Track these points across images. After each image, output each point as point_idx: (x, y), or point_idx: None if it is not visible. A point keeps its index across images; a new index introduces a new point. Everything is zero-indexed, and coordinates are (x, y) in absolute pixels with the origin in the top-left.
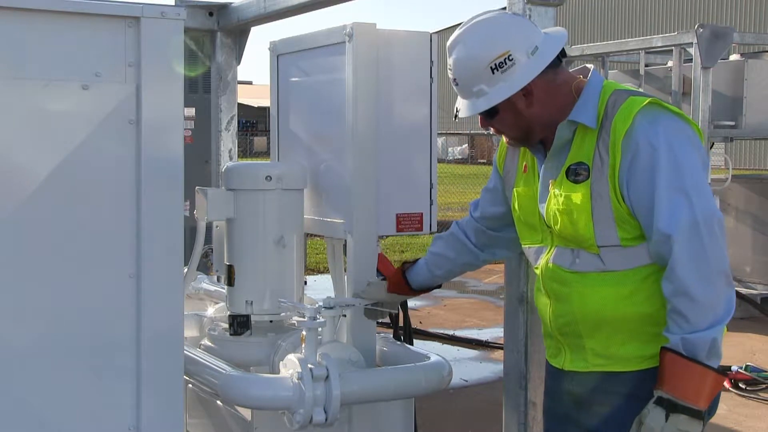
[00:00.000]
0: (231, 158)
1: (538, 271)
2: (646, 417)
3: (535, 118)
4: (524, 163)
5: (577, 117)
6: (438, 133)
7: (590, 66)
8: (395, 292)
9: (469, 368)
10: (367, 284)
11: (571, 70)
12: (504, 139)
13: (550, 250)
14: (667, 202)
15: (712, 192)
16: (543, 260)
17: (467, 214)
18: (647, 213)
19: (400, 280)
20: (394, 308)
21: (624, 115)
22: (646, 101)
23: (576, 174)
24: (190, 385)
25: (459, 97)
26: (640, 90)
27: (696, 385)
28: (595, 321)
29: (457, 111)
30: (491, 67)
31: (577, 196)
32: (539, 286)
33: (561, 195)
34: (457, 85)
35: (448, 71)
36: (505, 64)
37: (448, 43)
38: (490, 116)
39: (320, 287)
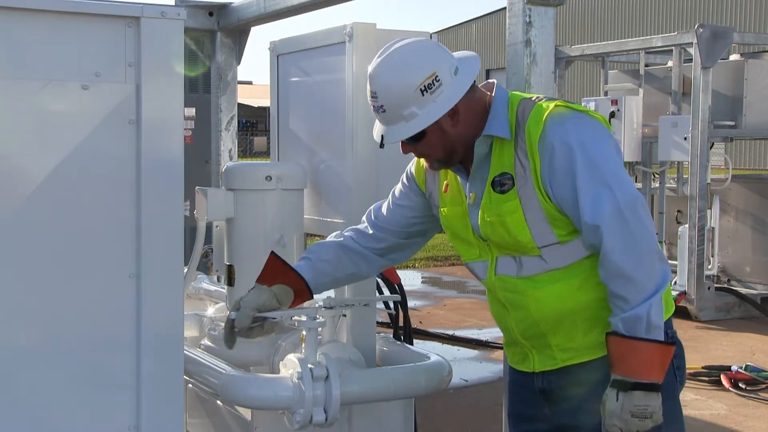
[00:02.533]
0: (231, 158)
1: (488, 285)
2: (606, 402)
3: (459, 137)
4: (445, 183)
5: (491, 131)
6: None
7: (492, 81)
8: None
9: (469, 368)
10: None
11: (480, 85)
12: (423, 163)
13: (492, 262)
14: (589, 194)
15: (629, 177)
16: (489, 273)
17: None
18: (573, 208)
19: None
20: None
21: (535, 121)
22: (553, 105)
23: (501, 185)
24: (190, 385)
25: (380, 124)
26: (543, 96)
27: (642, 359)
28: (555, 318)
29: (382, 139)
30: (421, 89)
31: (508, 206)
32: (492, 299)
33: (491, 207)
34: (383, 112)
35: (370, 99)
36: (434, 85)
37: (369, 71)
38: (415, 140)
39: None
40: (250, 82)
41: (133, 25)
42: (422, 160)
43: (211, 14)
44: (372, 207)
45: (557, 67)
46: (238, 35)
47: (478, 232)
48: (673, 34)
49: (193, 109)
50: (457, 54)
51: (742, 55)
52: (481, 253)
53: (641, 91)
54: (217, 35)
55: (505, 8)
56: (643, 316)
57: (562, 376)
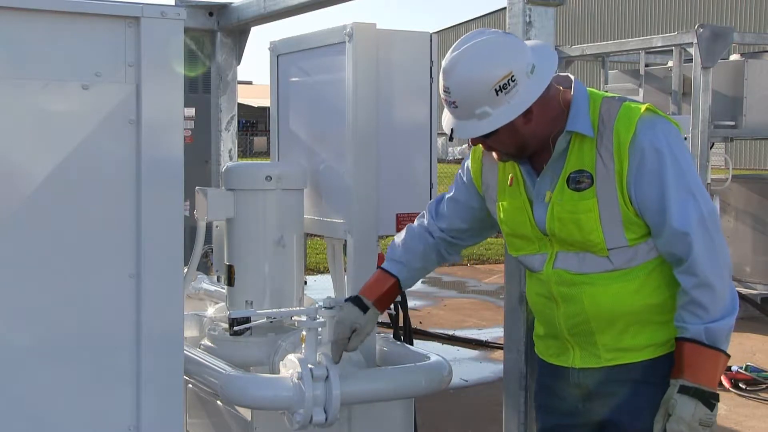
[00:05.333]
0: (231, 158)
1: (542, 278)
2: (675, 408)
3: (531, 134)
4: (510, 176)
5: (575, 127)
6: (438, 133)
7: (566, 74)
8: (386, 307)
9: (469, 368)
10: (349, 336)
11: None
12: (480, 156)
13: (551, 256)
14: (679, 201)
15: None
16: (546, 267)
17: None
18: (656, 213)
19: (397, 292)
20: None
21: (626, 122)
22: (644, 108)
23: (577, 182)
24: (190, 385)
25: (451, 117)
26: (624, 96)
27: (717, 370)
28: (608, 318)
29: (452, 132)
30: (495, 90)
31: (584, 204)
32: (542, 292)
33: (564, 203)
34: (456, 107)
35: (444, 93)
36: (509, 85)
37: (444, 64)
38: (486, 136)
39: (320, 287)
40: (250, 82)
41: (133, 25)
42: (480, 154)
43: (211, 14)
44: (434, 200)
45: (557, 67)
46: (238, 35)
47: (541, 228)
48: (673, 34)
49: (193, 109)
50: (531, 44)
51: (742, 55)
52: (540, 247)
53: (641, 91)
54: (217, 35)
55: (505, 8)
56: (727, 329)
57: (602, 375)
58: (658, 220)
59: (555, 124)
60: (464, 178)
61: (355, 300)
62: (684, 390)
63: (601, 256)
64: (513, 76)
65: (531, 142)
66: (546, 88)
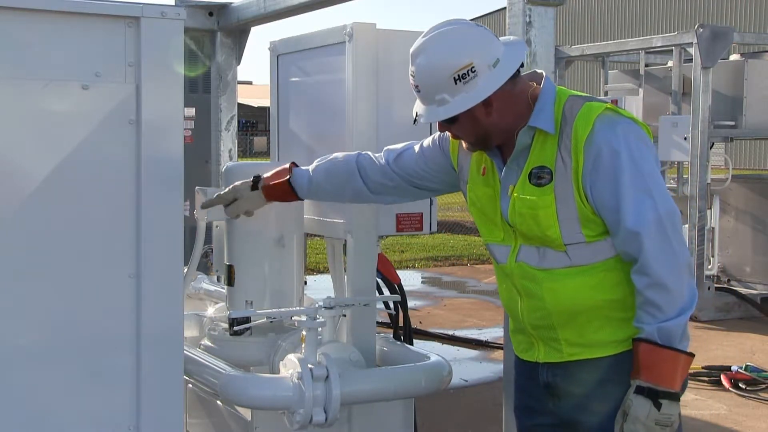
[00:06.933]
0: (231, 158)
1: (506, 270)
2: (630, 407)
3: (492, 126)
4: (482, 166)
5: (537, 123)
6: None
7: (540, 71)
8: (278, 200)
9: (469, 368)
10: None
11: (522, 75)
12: (463, 144)
13: (515, 248)
14: (633, 201)
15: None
16: (510, 259)
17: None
18: (612, 212)
19: (287, 191)
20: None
21: (584, 121)
22: (604, 107)
23: (538, 177)
24: (190, 385)
25: (418, 101)
26: (592, 96)
27: (671, 369)
28: (569, 312)
29: (417, 116)
30: (454, 78)
31: (543, 199)
32: (507, 285)
33: (525, 198)
34: (419, 91)
35: (410, 77)
36: (468, 75)
37: (412, 49)
38: (448, 122)
39: (320, 287)
40: (250, 82)
41: (133, 25)
42: None
43: (211, 14)
44: (398, 146)
45: (557, 67)
46: (238, 35)
47: (506, 218)
48: (673, 34)
49: (193, 109)
50: (504, 39)
51: (742, 55)
52: (505, 238)
53: (641, 91)
54: (217, 35)
55: (505, 8)
56: (681, 327)
57: (567, 371)
58: (613, 220)
59: (521, 118)
60: (440, 145)
61: (257, 178)
62: (639, 390)
63: (559, 251)
64: (473, 66)
65: (493, 134)
66: (512, 82)
